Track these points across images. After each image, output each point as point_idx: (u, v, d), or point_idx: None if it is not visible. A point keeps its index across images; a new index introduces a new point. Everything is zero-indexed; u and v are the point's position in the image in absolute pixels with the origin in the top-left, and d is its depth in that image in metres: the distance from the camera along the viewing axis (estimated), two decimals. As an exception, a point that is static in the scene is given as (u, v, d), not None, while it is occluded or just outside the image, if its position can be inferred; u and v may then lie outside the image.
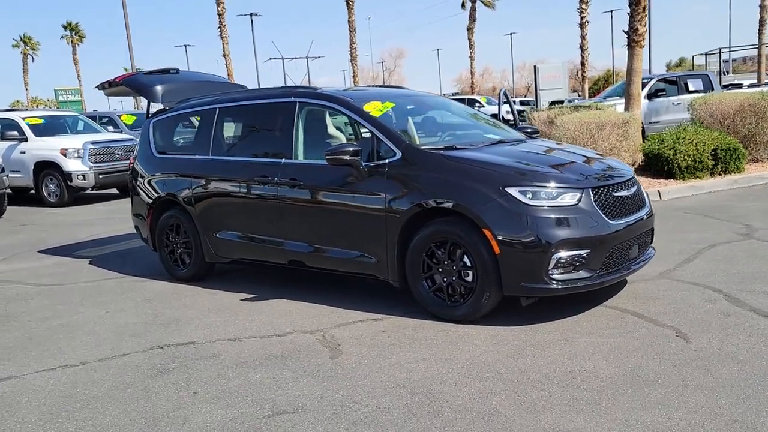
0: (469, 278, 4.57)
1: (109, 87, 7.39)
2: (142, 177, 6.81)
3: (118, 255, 8.13)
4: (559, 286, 4.37)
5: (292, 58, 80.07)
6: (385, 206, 4.85)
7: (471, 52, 46.22)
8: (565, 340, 4.17)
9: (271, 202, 5.56)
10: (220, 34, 38.02)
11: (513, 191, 4.40)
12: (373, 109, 5.30)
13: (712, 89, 17.50)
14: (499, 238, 4.34)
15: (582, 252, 4.37)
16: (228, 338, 4.69)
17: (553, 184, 4.48)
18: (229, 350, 4.43)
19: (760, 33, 31.32)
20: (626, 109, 11.69)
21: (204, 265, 6.35)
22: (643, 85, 17.41)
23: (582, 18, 30.40)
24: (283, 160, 5.51)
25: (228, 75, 37.63)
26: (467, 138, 5.47)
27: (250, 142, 6.07)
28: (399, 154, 4.88)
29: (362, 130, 5.73)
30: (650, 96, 16.66)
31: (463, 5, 48.12)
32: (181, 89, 7.15)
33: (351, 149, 4.92)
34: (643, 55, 11.57)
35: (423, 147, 4.98)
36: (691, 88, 17.26)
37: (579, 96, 42.05)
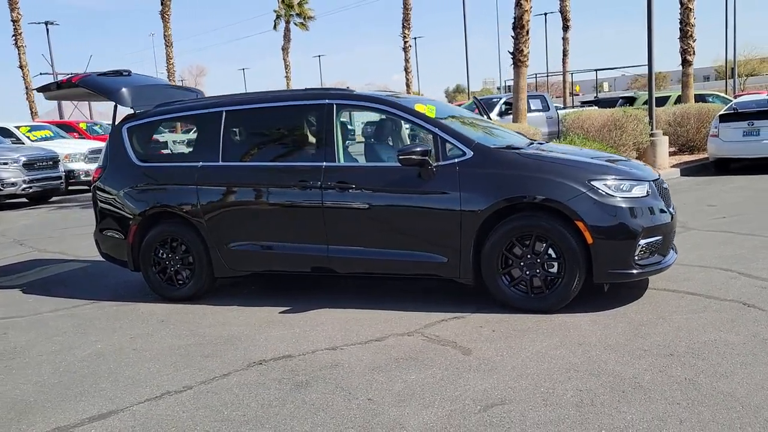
0: (554, 269, 4.78)
1: (57, 89, 6.54)
2: (118, 189, 6.11)
3: (53, 281, 7.19)
4: (641, 271, 4.76)
5: (69, 74, 74.22)
6: (459, 205, 4.90)
7: (287, 72, 46.31)
8: (662, 318, 4.54)
9: (312, 208, 5.32)
10: (16, 43, 34.23)
11: (598, 184, 4.71)
12: (426, 111, 5.34)
13: (549, 108, 19.52)
14: (592, 228, 4.62)
15: (657, 238, 4.80)
16: (325, 348, 4.43)
17: (626, 177, 4.87)
18: (345, 358, 4.20)
19: (564, 62, 35.33)
20: (514, 121, 12.71)
21: (210, 282, 5.86)
22: (494, 105, 18.93)
23: (405, 42, 32.11)
24: (324, 164, 5.31)
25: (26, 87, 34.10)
26: (505, 140, 5.67)
27: (273, 146, 5.75)
28: (470, 154, 4.97)
29: (413, 130, 5.70)
30: (501, 114, 18.16)
31: (275, 26, 48.14)
32: (147, 93, 6.55)
33: (420, 149, 4.92)
34: (526, 74, 12.66)
35: (493, 146, 5.12)
36: (532, 107, 19.08)
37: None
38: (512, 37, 12.50)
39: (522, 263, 4.84)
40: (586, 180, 4.73)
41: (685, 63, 18.08)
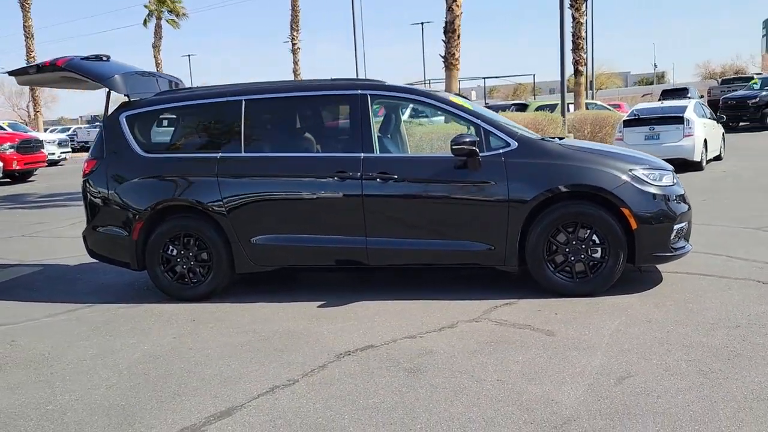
0: (598, 254, 5.05)
1: (37, 72, 5.95)
2: (118, 182, 5.69)
3: (15, 287, 6.60)
4: (674, 254, 5.14)
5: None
6: (507, 194, 5.04)
7: (158, 71, 44.36)
8: (699, 296, 4.91)
9: (350, 199, 5.25)
10: None
11: (638, 173, 5.04)
12: (464, 103, 5.44)
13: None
14: (637, 214, 4.93)
15: (685, 224, 5.21)
16: (403, 337, 4.40)
17: (655, 167, 5.24)
18: (433, 345, 4.20)
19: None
20: (446, 122, 13.08)
21: (229, 278, 5.60)
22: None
23: (294, 45, 31.83)
24: (362, 155, 5.26)
25: None
26: (530, 133, 5.86)
27: (301, 137, 5.59)
28: (515, 144, 5.13)
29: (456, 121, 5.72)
30: (411, 116, 18.59)
31: (145, 23, 46.02)
32: (137, 79, 6.16)
33: (470, 140, 5.02)
34: (458, 77, 13.08)
35: (536, 137, 5.31)
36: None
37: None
38: (443, 41, 12.90)
39: (567, 249, 5.06)
40: (628, 170, 5.04)
41: (577, 73, 19.44)
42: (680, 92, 32.92)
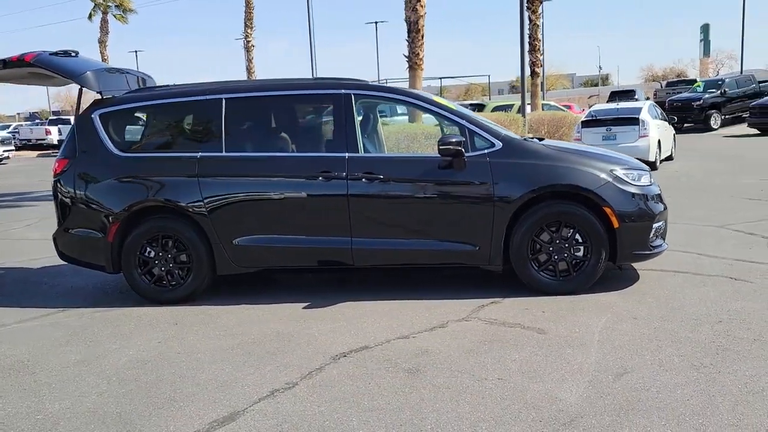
0: (581, 253, 5.14)
1: (5, 67, 5.73)
2: (92, 182, 5.52)
3: None
4: (652, 252, 5.27)
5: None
6: (492, 194, 5.09)
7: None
8: (678, 293, 5.04)
9: (335, 200, 5.21)
10: None
11: (619, 174, 5.15)
12: (448, 103, 5.46)
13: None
14: (618, 214, 5.04)
15: (662, 223, 5.35)
16: (396, 337, 4.40)
17: (633, 167, 5.37)
18: (428, 345, 4.20)
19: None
20: (410, 121, 13.13)
21: (209, 280, 5.50)
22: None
23: (248, 42, 31.45)
24: (347, 155, 5.23)
25: None
26: (510, 132, 5.93)
27: (284, 136, 5.50)
28: (499, 145, 5.18)
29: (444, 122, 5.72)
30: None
31: (90, 17, 44.70)
32: (109, 76, 5.99)
33: (456, 140, 5.05)
34: (422, 77, 13.13)
35: (520, 138, 5.37)
36: (398, 111, 19.76)
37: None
38: (407, 41, 12.94)
39: (551, 248, 5.14)
40: (609, 170, 5.14)
41: (534, 74, 19.75)
42: (627, 94, 33.86)
